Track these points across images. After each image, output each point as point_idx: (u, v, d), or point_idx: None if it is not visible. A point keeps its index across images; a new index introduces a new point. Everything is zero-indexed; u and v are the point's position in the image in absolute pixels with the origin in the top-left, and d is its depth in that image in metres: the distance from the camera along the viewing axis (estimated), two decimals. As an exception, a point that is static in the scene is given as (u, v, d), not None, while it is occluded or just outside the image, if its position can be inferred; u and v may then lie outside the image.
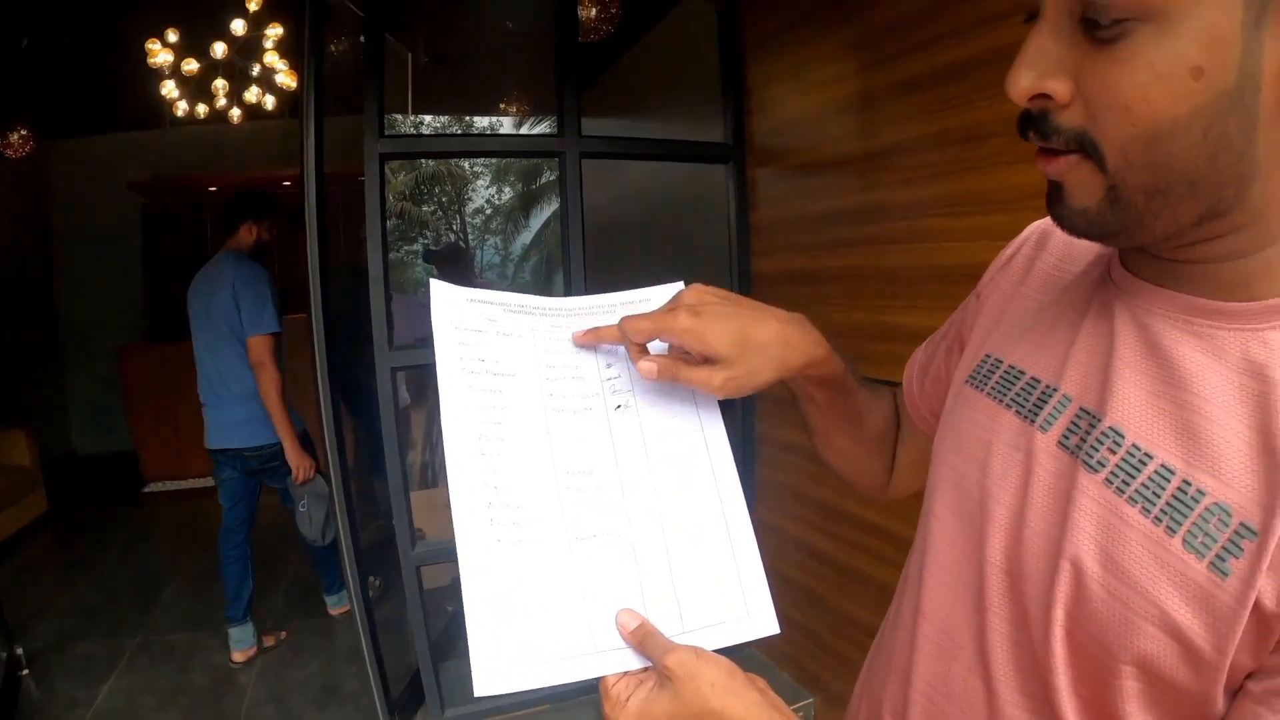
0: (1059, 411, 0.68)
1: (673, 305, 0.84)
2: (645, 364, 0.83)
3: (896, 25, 2.36)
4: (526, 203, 13.03)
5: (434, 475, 4.85)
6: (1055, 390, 0.69)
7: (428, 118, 10.43)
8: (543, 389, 0.85)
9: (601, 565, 0.78)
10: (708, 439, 0.87)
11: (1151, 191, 0.57)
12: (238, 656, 3.84)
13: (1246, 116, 0.53)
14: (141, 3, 4.99)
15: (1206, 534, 0.55)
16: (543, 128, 10.17)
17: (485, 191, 13.36)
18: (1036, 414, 0.69)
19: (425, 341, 4.35)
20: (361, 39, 2.85)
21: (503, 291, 0.91)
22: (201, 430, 3.80)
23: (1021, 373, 0.74)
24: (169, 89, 5.48)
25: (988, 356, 0.79)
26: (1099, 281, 0.72)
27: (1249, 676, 0.55)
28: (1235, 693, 0.56)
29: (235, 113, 5.73)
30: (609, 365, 0.89)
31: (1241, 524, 0.54)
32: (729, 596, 0.80)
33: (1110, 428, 0.63)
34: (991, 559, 0.69)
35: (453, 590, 4.04)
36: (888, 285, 2.47)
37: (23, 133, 6.03)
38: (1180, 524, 0.56)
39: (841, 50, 2.62)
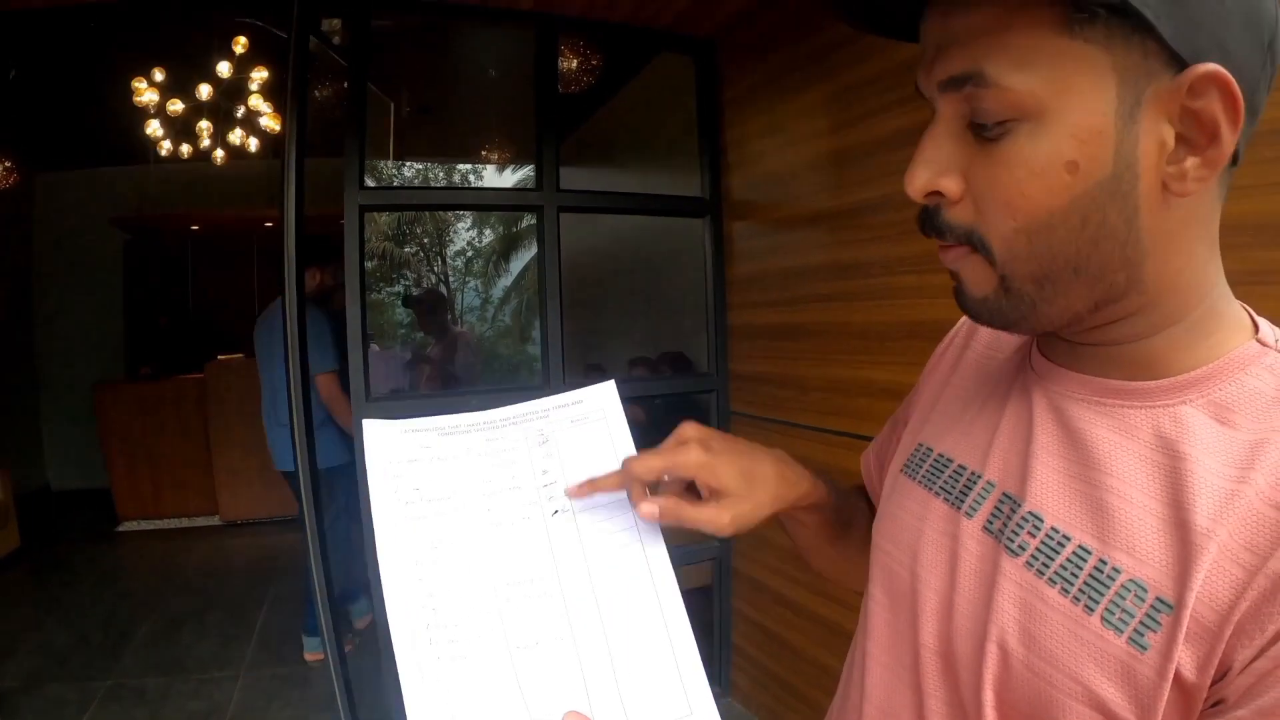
0: (984, 497, 0.70)
1: (680, 440, 0.85)
2: (647, 506, 0.82)
3: (869, 85, 2.42)
4: (507, 246, 13.04)
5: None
6: (980, 476, 0.72)
7: (410, 162, 10.47)
8: (480, 505, 0.86)
9: (545, 671, 0.79)
10: (644, 539, 0.87)
11: (1039, 279, 0.61)
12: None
13: (1126, 203, 0.57)
14: (129, 40, 5.03)
15: (1124, 610, 0.56)
16: (524, 172, 10.25)
17: (466, 234, 13.36)
18: (963, 500, 0.72)
19: (401, 394, 4.41)
20: (345, 84, 2.89)
21: (435, 416, 0.92)
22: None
23: (950, 460, 0.76)
24: (154, 128, 5.51)
25: (920, 445, 0.82)
26: (1020, 368, 0.76)
27: None
28: None
29: (219, 154, 5.76)
30: (545, 471, 0.90)
31: (1158, 598, 0.55)
32: (672, 696, 0.81)
33: (1030, 512, 0.65)
34: (925, 642, 0.71)
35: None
36: (861, 340, 2.51)
37: (7, 164, 6.04)
38: (1098, 602, 0.58)
39: (816, 108, 2.67)
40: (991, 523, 0.68)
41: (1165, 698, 0.54)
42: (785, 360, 2.89)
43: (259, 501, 6.69)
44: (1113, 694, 0.56)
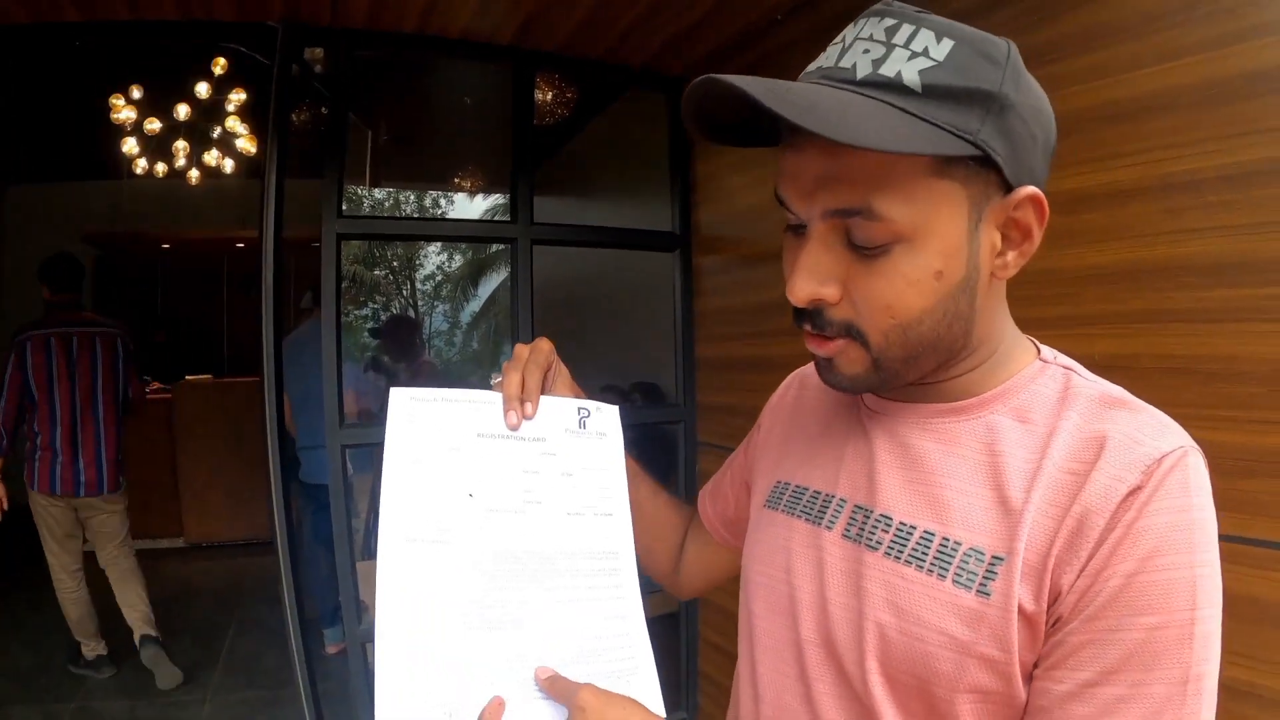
0: (839, 511, 0.87)
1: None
2: None
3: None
4: (475, 271, 13.02)
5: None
6: (834, 496, 0.89)
7: (386, 188, 10.49)
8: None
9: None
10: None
11: (907, 359, 0.78)
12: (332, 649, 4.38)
13: (972, 293, 0.77)
14: (107, 57, 5.02)
15: (969, 571, 0.73)
16: (495, 198, 10.33)
17: (436, 258, 13.34)
18: (821, 517, 0.89)
19: (374, 420, 4.40)
20: (322, 110, 2.93)
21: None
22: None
23: (805, 488, 0.93)
24: (129, 146, 5.49)
25: (778, 482, 0.99)
26: (854, 405, 0.94)
27: (1037, 666, 0.72)
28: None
29: (194, 173, 5.75)
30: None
31: (994, 556, 0.73)
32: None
33: (881, 514, 0.82)
34: (806, 637, 0.85)
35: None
36: (825, 374, 2.56)
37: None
38: (948, 569, 0.75)
39: (785, 148, 2.73)
40: (849, 530, 0.85)
41: (1015, 628, 0.70)
42: (753, 392, 2.91)
43: (225, 524, 6.62)
44: (972, 636, 0.72)
